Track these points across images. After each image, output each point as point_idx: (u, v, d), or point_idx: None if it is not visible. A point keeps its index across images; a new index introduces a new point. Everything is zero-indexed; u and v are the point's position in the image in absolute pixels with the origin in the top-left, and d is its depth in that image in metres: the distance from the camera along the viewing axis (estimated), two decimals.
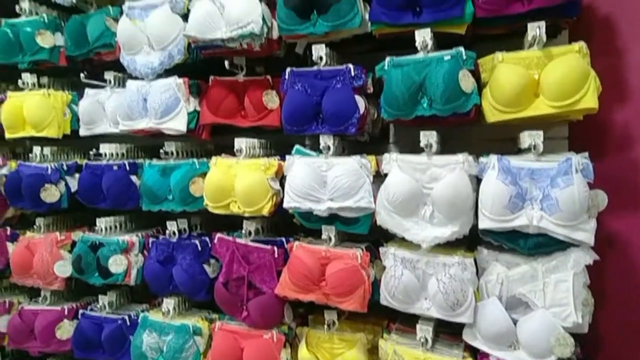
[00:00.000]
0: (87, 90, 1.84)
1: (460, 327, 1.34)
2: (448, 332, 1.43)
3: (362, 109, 1.41)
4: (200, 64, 1.67)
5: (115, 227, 1.81)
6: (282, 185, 1.52)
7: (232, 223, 1.68)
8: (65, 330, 1.78)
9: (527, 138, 1.26)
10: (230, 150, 1.61)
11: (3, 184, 1.84)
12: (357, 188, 1.37)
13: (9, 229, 1.91)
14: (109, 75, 1.81)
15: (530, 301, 1.25)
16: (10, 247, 1.88)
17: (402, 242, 1.41)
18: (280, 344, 1.51)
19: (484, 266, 1.33)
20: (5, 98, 1.89)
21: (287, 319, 1.55)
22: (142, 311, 1.78)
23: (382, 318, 1.57)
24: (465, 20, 1.30)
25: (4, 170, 1.88)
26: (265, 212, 1.50)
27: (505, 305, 1.27)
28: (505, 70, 1.24)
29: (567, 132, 1.47)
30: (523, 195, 1.21)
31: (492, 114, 1.28)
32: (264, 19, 1.43)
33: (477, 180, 1.30)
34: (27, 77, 1.86)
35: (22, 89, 1.88)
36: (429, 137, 1.33)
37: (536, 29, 1.23)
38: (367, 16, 1.42)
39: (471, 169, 1.29)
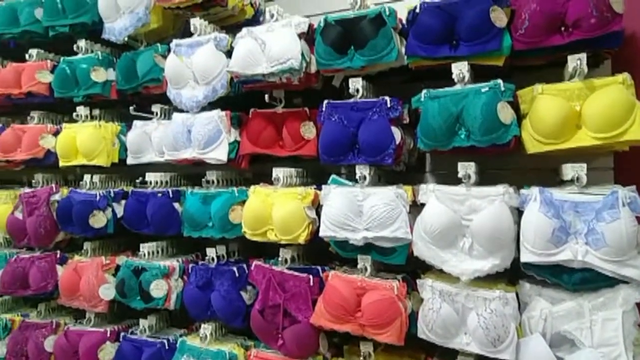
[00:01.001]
0: (135, 122, 1.95)
1: None
2: None
3: (398, 140, 1.43)
4: (240, 97, 1.74)
5: (157, 252, 1.88)
6: (318, 214, 1.55)
7: (269, 250, 1.72)
8: (107, 352, 1.83)
9: (570, 170, 1.24)
10: (268, 179, 1.66)
11: (55, 209, 1.95)
12: (393, 218, 1.37)
13: (59, 252, 2.01)
14: (155, 108, 1.92)
15: (576, 339, 1.19)
16: (60, 269, 1.98)
17: (440, 273, 1.40)
18: None
19: (526, 301, 1.29)
20: (60, 129, 2.03)
21: (322, 349, 1.54)
22: (181, 336, 1.81)
23: (418, 351, 1.54)
24: (503, 53, 1.31)
25: (57, 197, 1.99)
26: (302, 240, 1.52)
27: (550, 342, 1.22)
28: (546, 102, 1.23)
29: (612, 163, 1.43)
30: (567, 228, 1.18)
31: (533, 145, 1.27)
32: (303, 54, 1.49)
33: (518, 212, 1.28)
34: (81, 110, 1.99)
35: (76, 121, 2.01)
36: (467, 168, 1.32)
37: (577, 61, 1.22)
38: (403, 50, 1.46)
39: (512, 200, 1.27)
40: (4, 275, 2.00)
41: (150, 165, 1.94)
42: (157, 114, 1.92)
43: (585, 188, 1.22)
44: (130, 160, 1.95)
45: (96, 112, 2.04)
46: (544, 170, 1.42)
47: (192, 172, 1.97)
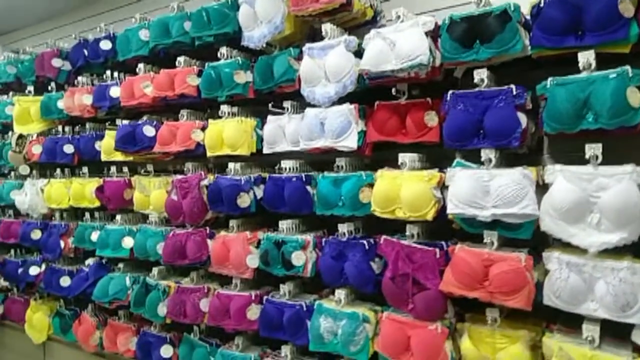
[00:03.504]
0: (269, 117, 2.24)
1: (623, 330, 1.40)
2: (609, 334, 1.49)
3: (524, 125, 1.56)
4: (363, 92, 1.96)
5: (293, 228, 2.17)
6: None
7: (388, 227, 1.93)
8: (253, 312, 2.17)
9: None
10: (384, 164, 1.89)
11: (206, 192, 2.32)
12: (521, 196, 1.51)
13: (207, 228, 2.39)
14: (287, 104, 2.20)
15: None
16: (210, 243, 2.35)
17: (564, 247, 1.52)
18: (445, 335, 1.70)
19: None
20: (206, 125, 2.39)
21: (449, 314, 1.73)
22: (315, 300, 2.10)
23: (540, 319, 1.67)
24: (630, 41, 1.39)
25: (205, 182, 2.36)
26: (429, 217, 1.71)
27: None
28: None
29: None
30: None
31: None
32: (430, 50, 1.67)
33: None
34: (225, 108, 2.33)
35: (220, 117, 2.36)
36: (594, 149, 1.43)
37: None
38: (526, 41, 1.58)
39: (639, 178, 1.36)
40: (166, 248, 2.43)
41: (279, 154, 2.23)
42: (287, 109, 2.20)
43: None
44: (266, 150, 2.25)
45: (234, 109, 2.37)
46: None
47: (315, 159, 2.24)
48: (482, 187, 1.58)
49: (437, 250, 1.73)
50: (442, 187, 1.74)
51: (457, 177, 1.65)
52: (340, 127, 1.91)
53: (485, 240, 1.63)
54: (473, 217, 1.61)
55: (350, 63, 1.89)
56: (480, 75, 1.64)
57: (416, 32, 1.69)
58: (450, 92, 1.70)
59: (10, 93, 3.45)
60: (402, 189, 1.76)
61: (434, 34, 1.73)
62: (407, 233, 1.82)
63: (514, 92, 1.58)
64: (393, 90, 1.85)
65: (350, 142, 1.91)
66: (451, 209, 1.65)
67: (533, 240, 1.60)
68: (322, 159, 2.21)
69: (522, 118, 1.57)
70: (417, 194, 1.71)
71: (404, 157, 1.81)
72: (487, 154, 1.61)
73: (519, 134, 1.55)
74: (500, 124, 1.57)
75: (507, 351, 1.57)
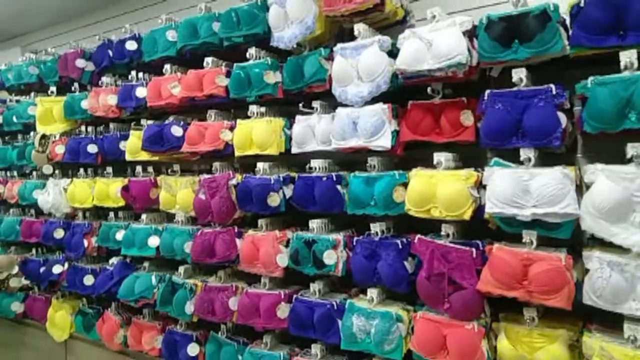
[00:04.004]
0: (298, 117, 2.25)
1: None
2: None
3: (564, 124, 1.57)
4: (393, 91, 1.97)
5: (322, 227, 2.18)
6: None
7: (416, 226, 1.94)
8: (283, 310, 2.18)
9: None
10: (415, 163, 1.91)
11: (235, 191, 2.34)
12: (562, 196, 1.52)
13: (236, 227, 2.40)
14: (316, 104, 2.21)
15: None
16: (238, 242, 2.36)
17: (602, 247, 1.53)
18: (481, 334, 1.70)
19: None
20: (234, 125, 2.41)
21: (486, 313, 1.73)
22: (345, 299, 2.11)
23: (577, 319, 1.68)
24: None
25: (234, 181, 2.37)
26: (466, 216, 1.72)
27: None
28: None
29: None
30: None
31: None
32: (468, 50, 1.68)
33: None
34: (254, 108, 2.35)
35: (248, 117, 2.37)
36: (637, 149, 1.43)
37: None
38: (565, 41, 1.59)
39: None
40: (195, 247, 2.44)
41: (305, 154, 2.23)
42: (317, 109, 2.21)
43: None
44: (295, 150, 2.26)
45: (262, 109, 2.38)
46: None
47: (343, 159, 2.25)
48: (522, 187, 1.59)
49: (474, 249, 1.74)
50: (479, 186, 1.75)
51: (495, 176, 1.65)
52: (373, 127, 1.91)
53: (524, 240, 1.63)
54: (512, 216, 1.61)
55: (384, 63, 1.90)
56: (519, 74, 1.65)
57: (454, 32, 1.70)
58: (487, 91, 1.71)
59: (32, 93, 3.48)
60: (438, 188, 1.76)
61: (469, 34, 1.74)
62: (443, 232, 1.82)
63: (554, 92, 1.58)
64: (429, 89, 1.85)
65: (384, 141, 1.91)
66: (490, 208, 1.65)
67: (568, 239, 1.61)
68: (349, 159, 2.23)
69: (562, 117, 1.58)
70: (455, 193, 1.72)
71: (439, 157, 1.82)
72: (526, 153, 1.61)
73: (559, 133, 1.55)
74: (541, 124, 1.57)
75: (547, 350, 1.57)
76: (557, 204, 1.52)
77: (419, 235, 1.88)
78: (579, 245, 1.67)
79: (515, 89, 1.66)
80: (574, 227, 1.56)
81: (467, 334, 1.72)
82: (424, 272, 1.81)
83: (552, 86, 1.59)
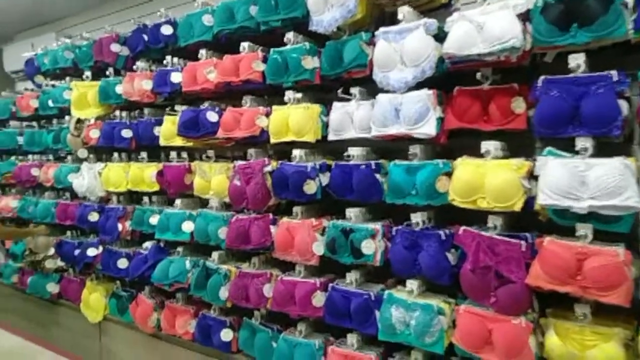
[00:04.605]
0: (335, 103, 2.21)
1: None
2: None
3: (625, 112, 1.48)
4: (434, 77, 1.89)
5: (359, 216, 2.14)
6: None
7: (458, 218, 1.89)
8: (319, 299, 2.16)
9: None
10: (458, 151, 1.84)
11: (271, 178, 2.31)
12: (623, 187, 1.44)
13: (270, 214, 2.39)
14: (354, 90, 2.15)
15: None
16: (272, 229, 2.35)
17: None
18: (529, 330, 1.65)
19: None
20: (270, 111, 2.38)
21: (534, 309, 1.68)
22: (382, 290, 2.07)
23: (631, 317, 1.60)
24: None
25: (269, 168, 2.35)
26: (517, 208, 1.65)
27: None
28: None
29: None
30: None
31: None
32: (523, 33, 1.59)
33: None
34: (290, 94, 2.31)
35: (285, 103, 2.33)
36: None
37: None
38: (628, 24, 1.49)
39: None
40: (230, 232, 2.44)
41: (341, 141, 2.19)
42: (355, 95, 2.16)
43: None
44: (332, 137, 2.22)
45: (297, 95, 2.34)
46: None
47: (381, 146, 2.20)
48: (578, 178, 1.51)
49: (523, 242, 1.67)
50: (530, 176, 1.68)
51: (548, 166, 1.58)
52: (418, 114, 1.85)
53: (577, 233, 1.56)
54: (567, 208, 1.54)
55: (430, 47, 1.83)
56: (577, 60, 1.57)
57: (507, 14, 1.62)
58: (542, 77, 1.63)
59: (67, 78, 3.52)
60: (487, 178, 1.70)
61: (522, 17, 1.65)
62: (490, 224, 1.76)
63: (615, 78, 1.50)
64: (478, 75, 1.78)
65: (429, 128, 1.85)
66: (543, 200, 1.58)
67: (625, 234, 1.53)
68: (384, 147, 2.18)
69: (623, 105, 1.49)
70: (505, 183, 1.66)
71: (488, 145, 1.75)
72: (583, 142, 1.54)
73: (620, 122, 1.47)
74: (600, 112, 1.49)
75: (601, 349, 1.51)
76: (618, 196, 1.44)
77: (463, 227, 1.82)
78: (635, 240, 1.60)
79: (571, 75, 1.57)
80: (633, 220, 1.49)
81: (514, 329, 1.66)
82: (468, 264, 1.76)
83: (613, 72, 1.50)
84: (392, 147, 2.14)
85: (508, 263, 1.69)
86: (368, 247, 2.00)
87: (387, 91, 1.98)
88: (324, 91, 2.44)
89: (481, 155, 1.79)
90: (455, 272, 1.84)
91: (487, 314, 1.74)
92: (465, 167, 1.77)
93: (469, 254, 1.77)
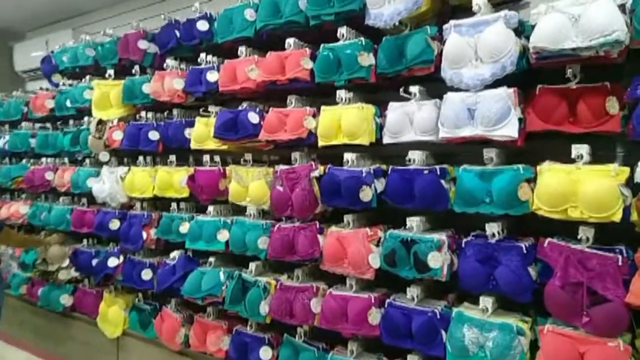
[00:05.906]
0: (392, 103, 2.04)
1: None
2: None
3: None
4: (518, 74, 1.74)
5: (419, 226, 1.97)
6: None
7: (532, 228, 1.76)
8: (375, 316, 1.98)
9: None
10: (537, 156, 1.70)
11: (319, 184, 2.14)
12: None
13: (317, 223, 2.21)
14: (414, 89, 2.00)
15: None
16: (320, 238, 2.17)
17: None
18: (628, 354, 1.48)
19: None
20: (317, 112, 2.21)
21: (636, 330, 1.51)
22: (446, 306, 1.90)
23: None
24: None
25: (316, 173, 2.18)
26: (616, 218, 1.49)
27: None
28: None
29: None
30: None
31: None
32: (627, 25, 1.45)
33: None
34: (342, 93, 2.14)
35: (336, 103, 2.17)
36: None
37: None
38: None
39: None
40: (273, 242, 2.25)
41: (393, 145, 2.03)
42: (415, 94, 1.99)
43: None
44: (387, 140, 2.05)
45: (349, 95, 2.18)
46: None
47: (437, 151, 2.04)
48: None
49: (619, 256, 1.51)
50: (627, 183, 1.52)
51: None
52: (498, 114, 1.69)
53: None
54: None
55: (510, 41, 1.68)
56: None
57: (608, 5, 1.47)
58: None
59: (88, 77, 3.34)
60: (581, 186, 1.54)
61: (621, 9, 1.50)
62: (581, 236, 1.60)
63: None
64: (569, 72, 1.62)
65: (510, 130, 1.69)
66: None
67: None
68: (441, 151, 2.02)
69: None
70: (602, 191, 1.50)
71: (580, 149, 1.59)
72: None
73: None
74: None
75: None
76: None
77: (549, 239, 1.66)
78: None
79: None
80: None
81: (611, 353, 1.49)
82: (557, 280, 1.59)
83: None
84: (449, 151, 2.00)
85: (603, 279, 1.52)
86: (435, 260, 1.82)
87: (457, 89, 1.82)
88: (372, 91, 2.29)
89: (560, 160, 1.64)
90: (537, 289, 1.67)
91: (578, 335, 1.56)
92: (554, 173, 1.61)
93: (556, 269, 1.60)
